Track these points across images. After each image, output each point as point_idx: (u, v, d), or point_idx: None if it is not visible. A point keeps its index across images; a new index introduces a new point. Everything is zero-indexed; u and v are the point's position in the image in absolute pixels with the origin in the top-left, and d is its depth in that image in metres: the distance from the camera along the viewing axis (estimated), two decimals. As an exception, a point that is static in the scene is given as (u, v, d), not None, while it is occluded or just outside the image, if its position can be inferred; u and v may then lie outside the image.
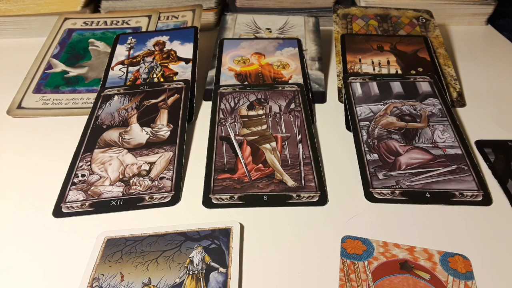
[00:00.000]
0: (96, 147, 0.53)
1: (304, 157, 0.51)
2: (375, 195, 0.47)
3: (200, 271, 0.39)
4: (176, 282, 0.39)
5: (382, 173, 0.49)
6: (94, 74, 0.67)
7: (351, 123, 0.55)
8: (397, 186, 0.47)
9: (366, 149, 0.52)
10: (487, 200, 0.46)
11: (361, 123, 0.55)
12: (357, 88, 0.60)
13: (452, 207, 0.46)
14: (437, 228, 0.44)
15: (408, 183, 0.48)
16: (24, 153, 0.54)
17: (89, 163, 0.51)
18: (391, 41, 0.71)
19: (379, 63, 0.67)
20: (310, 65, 0.68)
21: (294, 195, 0.47)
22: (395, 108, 0.57)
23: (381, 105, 0.57)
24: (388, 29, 0.75)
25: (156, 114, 0.57)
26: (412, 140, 0.53)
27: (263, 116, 0.57)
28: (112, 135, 0.55)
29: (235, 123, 0.56)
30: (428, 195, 0.46)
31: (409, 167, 0.50)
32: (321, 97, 0.63)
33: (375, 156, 0.51)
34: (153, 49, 0.69)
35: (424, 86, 0.61)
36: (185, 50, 0.68)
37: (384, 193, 0.47)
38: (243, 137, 0.54)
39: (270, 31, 0.76)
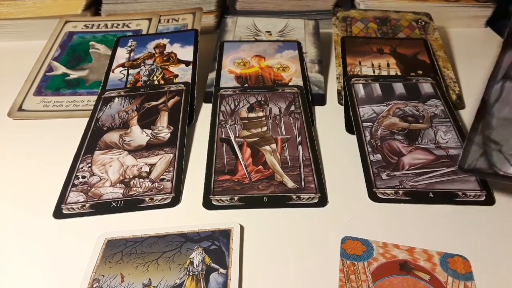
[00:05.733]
0: (97, 149, 0.53)
1: (304, 158, 0.51)
2: (378, 195, 0.47)
3: (200, 272, 0.39)
4: (176, 283, 0.39)
5: (385, 173, 0.49)
6: (94, 77, 0.68)
7: (354, 124, 0.56)
8: (400, 186, 0.48)
9: (370, 149, 0.52)
10: (489, 200, 0.46)
11: (364, 124, 0.55)
12: (360, 89, 0.61)
13: (454, 207, 0.46)
14: (437, 229, 0.44)
15: (412, 183, 0.48)
16: (24, 155, 0.54)
17: (89, 164, 0.51)
18: (391, 43, 0.71)
19: (379, 66, 0.67)
20: (310, 68, 0.68)
21: (294, 197, 0.47)
22: (398, 109, 0.57)
23: (383, 106, 0.58)
24: (388, 31, 0.76)
25: (156, 116, 0.57)
26: (415, 141, 0.53)
27: (263, 118, 0.57)
28: (112, 137, 0.55)
29: (235, 125, 0.56)
30: (431, 195, 0.47)
31: (412, 167, 0.50)
32: (321, 100, 0.63)
33: (379, 156, 0.51)
34: (154, 51, 0.69)
35: (426, 87, 0.61)
36: (186, 52, 0.68)
37: (387, 193, 0.47)
38: (243, 139, 0.54)
39: (270, 34, 0.76)
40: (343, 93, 0.62)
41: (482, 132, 0.43)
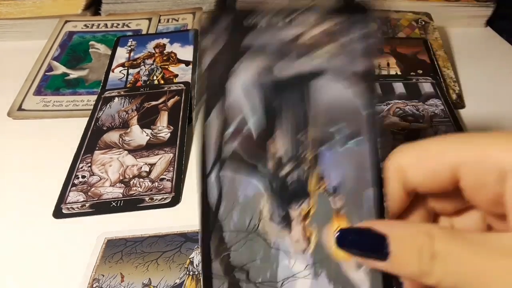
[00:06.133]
0: (97, 148, 0.53)
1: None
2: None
3: (200, 272, 0.39)
4: (176, 283, 0.39)
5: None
6: (94, 76, 0.67)
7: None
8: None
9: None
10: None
11: (364, 124, 0.55)
12: (359, 89, 0.61)
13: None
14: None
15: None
16: (24, 155, 0.54)
17: (89, 164, 0.51)
18: (391, 43, 0.71)
19: (379, 65, 0.67)
20: (310, 67, 0.68)
21: (294, 196, 0.47)
22: (398, 108, 0.57)
23: (384, 105, 0.58)
24: (388, 31, 0.75)
25: (156, 116, 0.57)
26: (415, 141, 0.53)
27: (263, 118, 0.57)
28: (112, 136, 0.55)
29: (235, 125, 0.56)
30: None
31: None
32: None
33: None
34: (154, 51, 0.69)
35: (426, 87, 0.61)
36: (185, 52, 0.68)
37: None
38: (243, 138, 0.54)
39: (270, 34, 0.76)
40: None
41: (218, 256, 0.28)
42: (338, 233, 0.26)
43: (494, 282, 0.20)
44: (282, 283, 0.28)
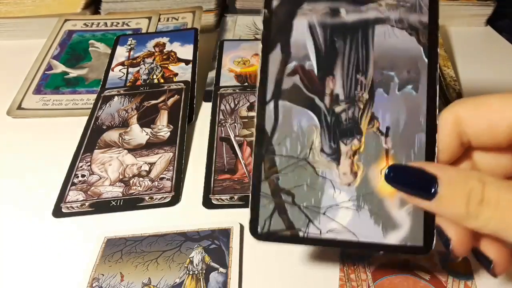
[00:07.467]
0: (96, 147, 0.53)
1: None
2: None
3: (200, 271, 0.39)
4: (176, 282, 0.39)
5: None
6: (94, 75, 0.67)
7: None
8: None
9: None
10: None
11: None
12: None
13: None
14: (437, 228, 0.44)
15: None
16: (24, 154, 0.54)
17: (89, 163, 0.51)
18: (391, 42, 0.71)
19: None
20: (310, 66, 0.68)
21: (294, 196, 0.47)
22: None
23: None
24: (388, 30, 0.75)
25: (156, 115, 0.57)
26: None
27: (263, 117, 0.57)
28: (112, 135, 0.55)
29: (235, 124, 0.56)
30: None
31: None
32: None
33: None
34: (153, 50, 0.69)
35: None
36: (185, 51, 0.68)
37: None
38: (243, 137, 0.54)
39: (270, 33, 0.76)
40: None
41: (267, 177, 0.30)
42: (389, 168, 0.26)
43: None
44: (325, 210, 0.29)
